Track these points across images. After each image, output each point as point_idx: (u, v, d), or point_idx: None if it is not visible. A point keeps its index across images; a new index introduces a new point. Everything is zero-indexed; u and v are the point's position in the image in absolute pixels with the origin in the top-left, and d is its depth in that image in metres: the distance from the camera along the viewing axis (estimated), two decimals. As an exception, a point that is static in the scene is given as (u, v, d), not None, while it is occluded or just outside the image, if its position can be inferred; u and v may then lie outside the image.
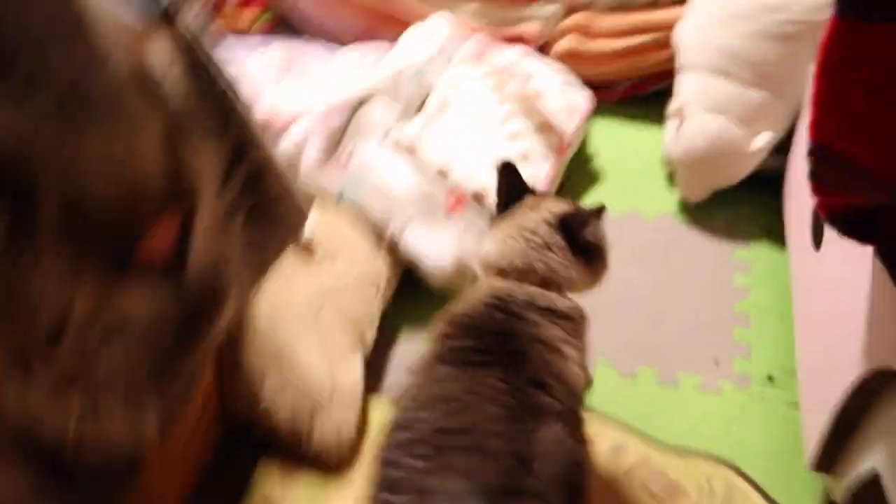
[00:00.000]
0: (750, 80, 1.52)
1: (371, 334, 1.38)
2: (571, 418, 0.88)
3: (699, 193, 1.63)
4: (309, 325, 1.32)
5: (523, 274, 0.99)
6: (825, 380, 1.21)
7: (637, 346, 1.44)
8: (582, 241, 1.01)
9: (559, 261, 1.00)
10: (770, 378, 1.37)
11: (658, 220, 1.67)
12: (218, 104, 0.79)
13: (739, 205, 1.66)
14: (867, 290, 1.02)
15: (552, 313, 0.96)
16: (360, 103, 1.58)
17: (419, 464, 0.79)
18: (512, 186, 1.10)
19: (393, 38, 1.87)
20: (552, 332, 0.94)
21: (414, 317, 1.48)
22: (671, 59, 1.72)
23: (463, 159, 1.56)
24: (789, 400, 1.33)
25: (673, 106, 1.61)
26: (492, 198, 1.46)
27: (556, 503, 0.79)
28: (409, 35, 1.81)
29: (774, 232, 1.60)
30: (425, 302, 1.47)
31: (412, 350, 1.42)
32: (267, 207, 0.88)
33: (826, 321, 1.23)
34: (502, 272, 1.01)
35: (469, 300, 0.98)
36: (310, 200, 0.99)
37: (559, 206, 1.05)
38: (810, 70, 1.38)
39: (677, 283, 1.54)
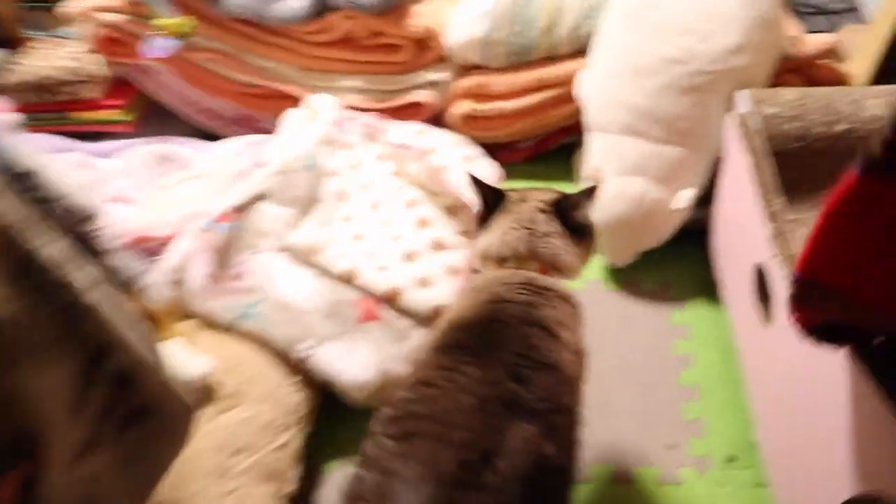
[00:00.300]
0: (663, 138, 1.43)
1: (293, 479, 1.20)
2: (553, 417, 0.84)
3: (625, 258, 1.53)
4: (220, 481, 1.13)
5: (526, 260, 1.02)
6: (795, 462, 1.12)
7: (585, 442, 1.31)
8: (575, 222, 1.05)
9: (561, 246, 1.03)
10: (731, 458, 1.27)
11: (587, 288, 1.56)
12: (57, 308, 0.62)
13: (667, 262, 1.57)
14: (828, 367, 0.94)
15: (550, 292, 0.97)
16: (248, 209, 1.41)
17: (389, 444, 0.80)
18: (486, 192, 1.10)
19: (273, 118, 1.72)
20: (548, 312, 0.94)
21: (340, 446, 1.31)
22: (575, 114, 1.63)
23: (370, 258, 1.41)
24: (755, 481, 1.24)
25: (587, 170, 1.51)
26: (406, 296, 1.35)
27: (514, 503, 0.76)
28: (292, 120, 1.65)
29: (707, 288, 1.52)
30: (351, 425, 1.31)
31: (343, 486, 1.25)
32: (144, 412, 0.71)
33: (786, 397, 1.14)
34: (503, 261, 1.03)
35: (469, 295, 0.99)
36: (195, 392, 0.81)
37: (548, 195, 1.08)
38: (722, 120, 1.25)
39: (617, 360, 1.43)
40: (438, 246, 1.44)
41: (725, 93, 1.42)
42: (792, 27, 1.64)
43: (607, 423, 1.33)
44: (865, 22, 2.07)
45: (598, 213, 1.48)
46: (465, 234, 1.46)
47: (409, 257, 1.41)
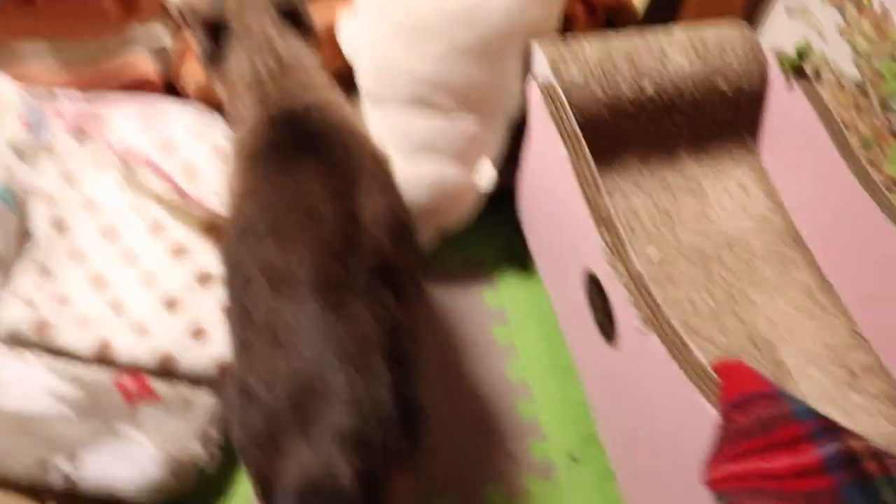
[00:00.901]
0: (455, 108, 1.22)
1: None
2: (380, 178, 0.95)
3: (427, 242, 1.34)
4: None
5: (279, 75, 1.00)
6: (638, 458, 1.07)
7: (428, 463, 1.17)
8: (301, 20, 1.06)
9: (300, 48, 1.04)
10: (573, 457, 1.20)
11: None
12: None
13: (470, 235, 1.39)
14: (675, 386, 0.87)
15: (325, 100, 1.00)
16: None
17: (264, 247, 0.85)
18: (207, 24, 1.04)
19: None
20: (340, 113, 0.99)
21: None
22: (345, 67, 1.34)
23: (121, 314, 1.09)
24: (600, 473, 1.18)
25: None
26: (181, 360, 1.07)
27: (390, 251, 0.87)
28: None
29: (516, 256, 1.39)
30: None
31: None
32: None
33: (628, 406, 1.07)
34: (259, 84, 1.00)
35: (249, 129, 0.98)
36: None
37: (265, 2, 1.05)
38: (519, 79, 1.23)
39: (438, 361, 1.28)
40: (205, 279, 1.15)
41: (520, 49, 1.22)
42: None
43: (444, 438, 1.19)
44: None
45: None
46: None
47: (172, 305, 1.11)
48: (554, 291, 1.28)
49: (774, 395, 0.72)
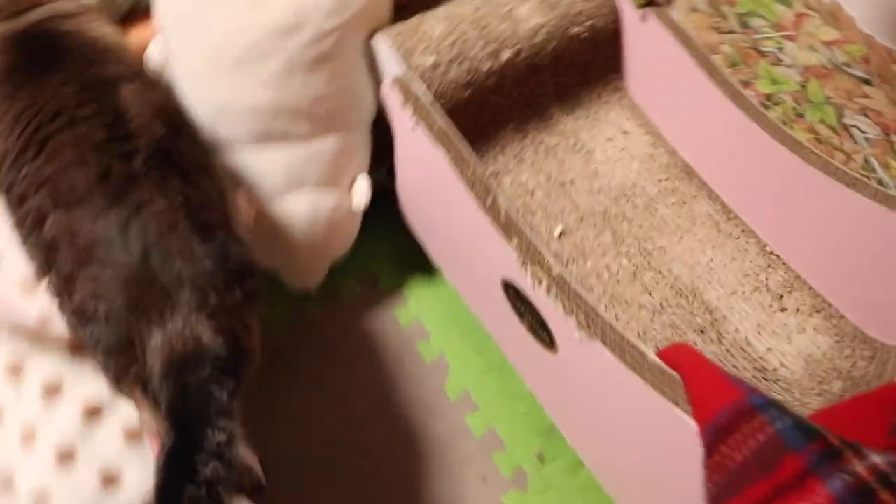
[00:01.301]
0: (309, 131, 1.08)
1: None
2: (141, 77, 0.96)
3: (316, 278, 1.22)
4: None
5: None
6: (602, 444, 1.05)
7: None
8: None
9: None
10: (540, 458, 1.16)
11: (293, 330, 1.24)
12: None
13: (358, 251, 1.27)
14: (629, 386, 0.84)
15: (60, 12, 0.99)
16: None
17: (35, 166, 0.84)
18: None
19: None
20: (73, 22, 0.99)
21: None
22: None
23: (11, 489, 0.92)
24: (571, 466, 1.16)
25: (236, 199, 1.10)
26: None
27: (165, 136, 0.88)
28: None
29: (412, 260, 1.30)
30: None
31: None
32: None
33: (582, 404, 1.03)
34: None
35: None
36: None
37: None
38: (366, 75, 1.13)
39: (372, 398, 1.19)
40: (94, 412, 0.99)
41: (360, 43, 1.09)
42: None
43: (406, 483, 1.13)
44: None
45: (271, 244, 1.14)
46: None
47: (67, 457, 0.95)
48: (471, 299, 1.20)
49: (748, 405, 0.68)
